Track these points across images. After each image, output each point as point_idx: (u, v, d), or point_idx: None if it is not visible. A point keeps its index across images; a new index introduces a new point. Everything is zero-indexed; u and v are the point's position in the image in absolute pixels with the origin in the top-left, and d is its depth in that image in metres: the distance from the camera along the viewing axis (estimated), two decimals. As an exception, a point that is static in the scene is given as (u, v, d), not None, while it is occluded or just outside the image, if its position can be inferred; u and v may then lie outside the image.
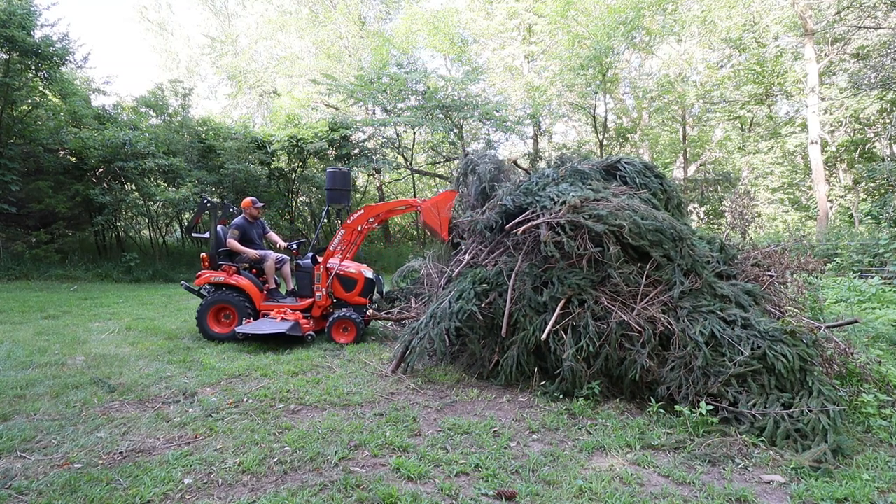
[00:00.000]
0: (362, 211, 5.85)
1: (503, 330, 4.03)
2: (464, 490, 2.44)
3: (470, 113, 16.82)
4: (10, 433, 2.97)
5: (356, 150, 16.98)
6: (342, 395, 3.79)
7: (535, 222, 4.14)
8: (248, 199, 6.28)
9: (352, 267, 5.98)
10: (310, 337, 5.53)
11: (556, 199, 4.17)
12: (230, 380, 4.15)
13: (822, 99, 15.46)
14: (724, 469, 2.68)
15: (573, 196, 4.07)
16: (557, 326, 3.84)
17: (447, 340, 4.15)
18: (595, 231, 3.88)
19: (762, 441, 2.94)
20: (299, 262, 6.06)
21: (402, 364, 4.40)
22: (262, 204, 6.37)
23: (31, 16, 11.90)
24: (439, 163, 21.73)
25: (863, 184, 16.99)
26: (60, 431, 3.04)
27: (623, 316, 3.71)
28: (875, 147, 17.93)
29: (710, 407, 3.18)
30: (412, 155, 19.98)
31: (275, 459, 2.71)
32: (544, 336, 3.80)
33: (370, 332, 6.15)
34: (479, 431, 3.13)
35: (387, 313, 5.75)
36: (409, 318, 5.39)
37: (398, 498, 2.33)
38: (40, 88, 13.45)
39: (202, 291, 6.10)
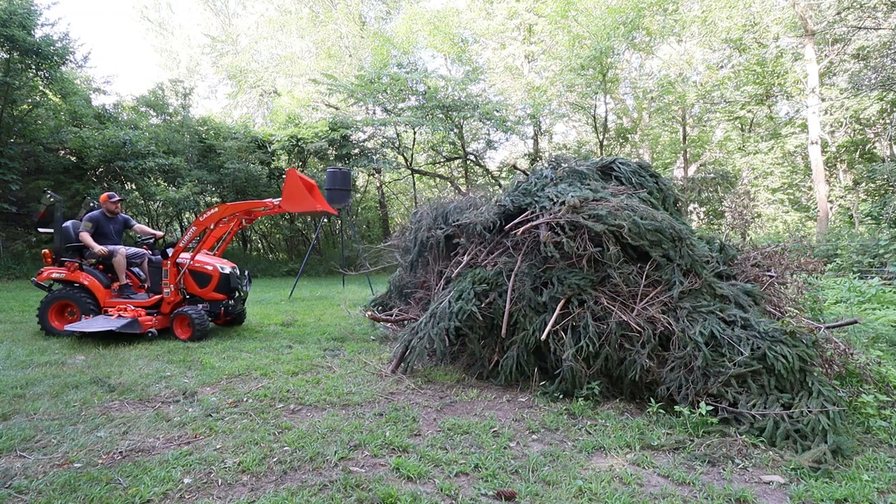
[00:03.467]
0: (216, 209, 5.72)
1: (503, 330, 4.03)
2: (463, 490, 2.44)
3: (470, 113, 16.84)
4: (10, 432, 2.96)
5: (356, 150, 16.99)
6: (342, 394, 3.79)
7: (534, 223, 4.14)
8: (105, 194, 6.16)
9: (208, 262, 5.88)
10: (151, 334, 5.48)
11: (555, 200, 4.17)
12: (230, 379, 4.15)
13: (823, 99, 15.46)
14: (724, 469, 2.68)
15: (572, 196, 4.07)
16: (557, 326, 3.84)
17: (447, 340, 4.15)
18: (594, 231, 3.88)
19: (762, 441, 2.94)
20: (151, 257, 6.03)
21: (402, 364, 4.40)
22: (119, 198, 6.25)
23: (32, 15, 11.91)
24: (439, 163, 21.75)
25: (863, 184, 17.01)
26: (60, 431, 3.04)
27: (623, 316, 3.71)
28: (875, 148, 17.94)
29: (710, 407, 3.18)
30: (412, 155, 19.99)
31: (274, 459, 2.71)
32: (544, 336, 3.80)
33: (370, 333, 6.15)
34: (478, 431, 3.13)
35: (387, 314, 5.74)
36: (407, 318, 5.39)
37: (398, 498, 2.33)
38: (40, 88, 13.46)
39: (52, 287, 5.98)
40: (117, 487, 2.41)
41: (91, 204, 6.54)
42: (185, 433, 3.05)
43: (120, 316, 5.50)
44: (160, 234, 6.60)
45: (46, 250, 6.01)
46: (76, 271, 5.77)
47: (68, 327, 5.33)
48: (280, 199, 5.45)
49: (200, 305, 5.79)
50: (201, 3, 26.82)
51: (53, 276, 5.79)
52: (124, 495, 2.33)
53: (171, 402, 3.59)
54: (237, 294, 6.23)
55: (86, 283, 5.73)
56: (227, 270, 5.98)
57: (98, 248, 5.84)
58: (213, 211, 5.74)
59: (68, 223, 6.01)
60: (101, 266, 5.99)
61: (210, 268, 5.86)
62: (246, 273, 6.52)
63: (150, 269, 6.00)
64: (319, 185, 16.83)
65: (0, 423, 3.13)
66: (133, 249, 6.24)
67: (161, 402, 3.61)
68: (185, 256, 5.85)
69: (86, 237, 5.84)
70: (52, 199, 6.07)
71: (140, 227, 6.57)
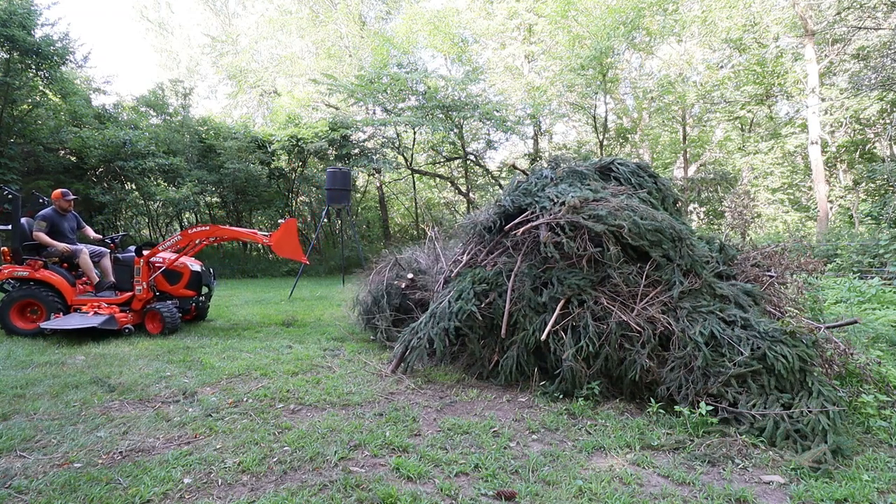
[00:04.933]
0: (208, 228, 6.01)
1: (503, 330, 4.03)
2: (463, 490, 2.44)
3: (470, 113, 16.82)
4: (10, 432, 2.97)
5: (356, 150, 16.98)
6: (342, 394, 3.79)
7: (534, 223, 4.14)
8: (58, 191, 6.13)
9: (178, 260, 6.03)
10: (127, 330, 5.59)
11: (555, 200, 4.17)
12: (230, 379, 4.15)
13: (823, 99, 15.45)
14: (724, 469, 2.68)
15: (572, 196, 4.07)
16: (557, 327, 3.84)
17: (447, 340, 4.15)
18: (594, 231, 3.88)
19: (762, 441, 2.94)
20: (118, 255, 6.09)
21: (402, 364, 4.40)
22: (73, 196, 6.24)
23: (32, 15, 11.91)
24: (439, 163, 21.74)
25: (863, 184, 17.00)
26: (60, 431, 3.04)
27: (623, 316, 3.71)
28: (875, 148, 17.94)
29: (710, 407, 3.18)
30: (412, 155, 19.98)
31: (274, 459, 2.71)
32: (544, 336, 3.80)
33: (370, 333, 6.14)
34: (478, 431, 3.13)
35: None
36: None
37: (398, 498, 2.33)
38: (40, 88, 13.46)
39: (5, 286, 5.95)
40: (117, 487, 2.41)
41: (41, 200, 6.49)
42: (185, 433, 3.05)
43: (96, 313, 5.55)
44: (113, 235, 6.67)
45: (5, 248, 5.99)
46: (41, 269, 5.75)
47: (44, 325, 5.32)
48: (271, 234, 5.89)
49: (170, 302, 5.90)
50: (201, 3, 26.81)
51: (16, 274, 5.74)
52: (124, 495, 2.33)
53: (171, 402, 3.59)
54: (206, 290, 6.51)
55: (52, 281, 5.71)
56: (197, 268, 6.16)
57: (62, 245, 5.85)
58: (203, 229, 5.96)
59: (23, 220, 5.98)
60: (64, 264, 6.00)
61: (181, 265, 6.02)
62: (211, 271, 6.77)
63: (118, 266, 6.04)
64: (319, 184, 16.85)
65: (0, 423, 3.13)
66: (92, 247, 6.27)
67: (161, 402, 3.61)
68: (162, 256, 6.00)
69: (41, 236, 5.82)
70: (9, 196, 6.02)
71: (87, 230, 6.56)
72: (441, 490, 2.43)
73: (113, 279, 6.07)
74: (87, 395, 3.66)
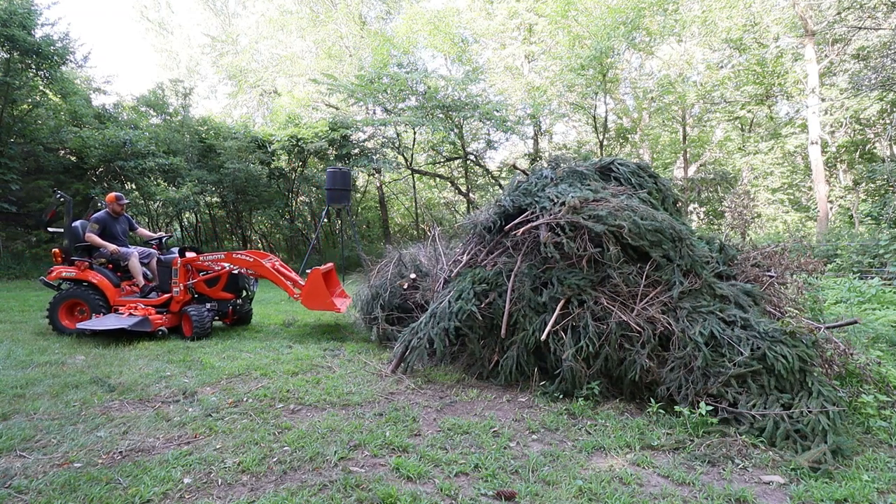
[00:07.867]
0: (252, 260, 5.97)
1: (503, 330, 4.03)
2: (463, 490, 2.44)
3: (470, 113, 16.81)
4: (10, 432, 2.97)
5: (356, 150, 16.98)
6: (342, 394, 3.79)
7: (534, 223, 4.14)
8: (112, 195, 6.24)
9: (217, 263, 6.05)
10: (161, 332, 5.57)
11: (555, 200, 4.17)
12: (230, 379, 4.15)
13: (823, 100, 15.45)
14: (724, 469, 2.68)
15: (572, 197, 4.07)
16: (557, 327, 3.84)
17: (447, 340, 4.15)
18: (595, 231, 3.88)
19: (762, 442, 2.94)
20: (161, 257, 6.14)
21: (402, 364, 4.40)
22: (126, 200, 6.37)
23: (32, 15, 11.91)
24: (439, 163, 21.73)
25: (863, 184, 17.00)
26: (60, 430, 3.04)
27: (623, 316, 3.71)
28: (875, 148, 17.94)
29: (710, 407, 3.18)
30: (412, 155, 19.98)
31: (274, 459, 2.71)
32: (544, 336, 3.80)
33: (370, 332, 6.14)
34: (478, 431, 3.13)
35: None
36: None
37: (397, 498, 2.33)
38: (41, 88, 13.46)
39: (61, 286, 6.04)
40: (117, 487, 2.41)
41: (99, 204, 6.60)
42: (185, 433, 3.05)
43: (131, 314, 5.57)
44: (161, 234, 6.71)
45: (56, 249, 6.09)
46: (86, 270, 5.83)
47: (80, 325, 5.37)
48: (304, 287, 5.85)
49: (209, 304, 5.90)
50: (201, 3, 26.82)
51: (64, 275, 5.83)
52: (124, 495, 2.33)
53: (171, 402, 3.59)
54: (245, 293, 6.42)
55: (96, 281, 5.79)
56: (236, 270, 6.11)
57: (112, 247, 5.96)
58: (248, 259, 5.96)
59: (77, 223, 6.09)
60: (110, 265, 6.07)
61: (218, 268, 6.00)
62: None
63: (160, 268, 6.08)
64: (319, 184, 16.87)
65: (0, 423, 3.13)
66: (142, 249, 6.36)
67: (161, 402, 3.61)
68: (208, 260, 6.03)
69: (93, 237, 5.93)
70: (61, 199, 6.14)
71: (142, 230, 6.69)
72: (441, 490, 2.43)
73: (158, 281, 6.13)
74: (87, 395, 3.66)
